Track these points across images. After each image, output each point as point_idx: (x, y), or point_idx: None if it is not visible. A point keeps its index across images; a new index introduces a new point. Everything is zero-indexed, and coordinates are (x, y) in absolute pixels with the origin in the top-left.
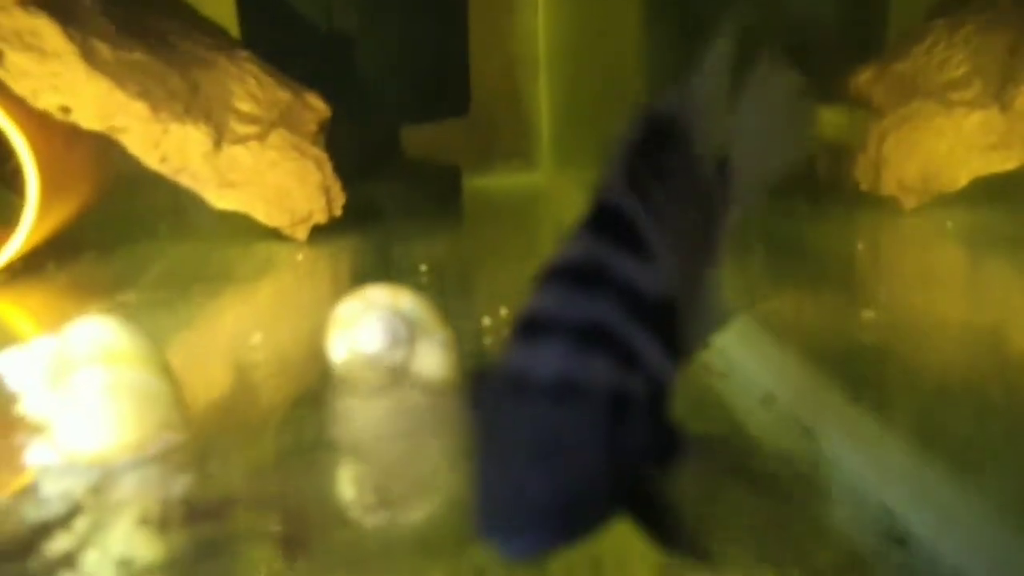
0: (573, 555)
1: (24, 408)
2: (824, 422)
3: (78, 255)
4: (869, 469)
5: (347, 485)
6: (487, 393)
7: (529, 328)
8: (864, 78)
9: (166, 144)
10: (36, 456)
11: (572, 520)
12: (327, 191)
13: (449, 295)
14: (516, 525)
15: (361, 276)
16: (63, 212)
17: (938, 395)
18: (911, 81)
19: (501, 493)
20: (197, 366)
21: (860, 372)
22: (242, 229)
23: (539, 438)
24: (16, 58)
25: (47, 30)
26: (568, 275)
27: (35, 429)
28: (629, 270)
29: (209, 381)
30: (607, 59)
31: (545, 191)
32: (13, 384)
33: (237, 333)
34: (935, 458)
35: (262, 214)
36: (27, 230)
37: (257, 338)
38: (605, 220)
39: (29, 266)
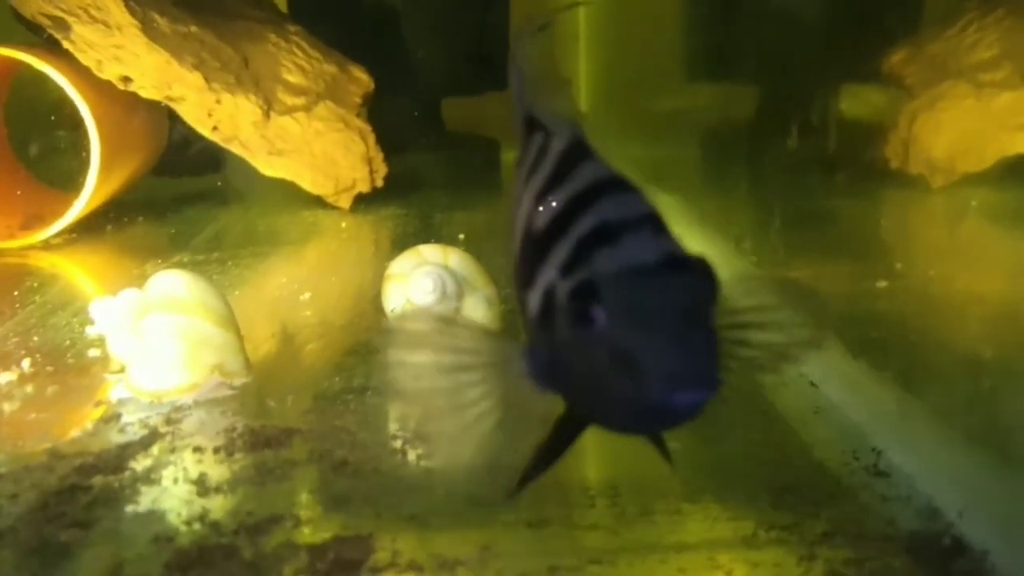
0: (593, 482)
1: (109, 348)
2: (828, 377)
3: (133, 219)
4: (862, 414)
5: (394, 422)
6: (613, 292)
7: (608, 233)
8: (897, 58)
9: (219, 113)
10: (116, 391)
11: (719, 373)
12: (370, 162)
13: (486, 262)
14: (706, 377)
15: (402, 243)
16: (121, 177)
17: (934, 353)
18: (943, 62)
19: (685, 356)
20: (251, 319)
21: (866, 335)
22: (288, 197)
23: (683, 304)
24: (83, 31)
25: (111, 4)
26: (605, 188)
27: (117, 367)
28: (627, 179)
29: (263, 332)
30: (645, 37)
31: None
32: (101, 328)
33: (287, 291)
34: (919, 405)
35: (308, 182)
36: (89, 194)
37: (306, 296)
38: (582, 145)
39: (88, 228)
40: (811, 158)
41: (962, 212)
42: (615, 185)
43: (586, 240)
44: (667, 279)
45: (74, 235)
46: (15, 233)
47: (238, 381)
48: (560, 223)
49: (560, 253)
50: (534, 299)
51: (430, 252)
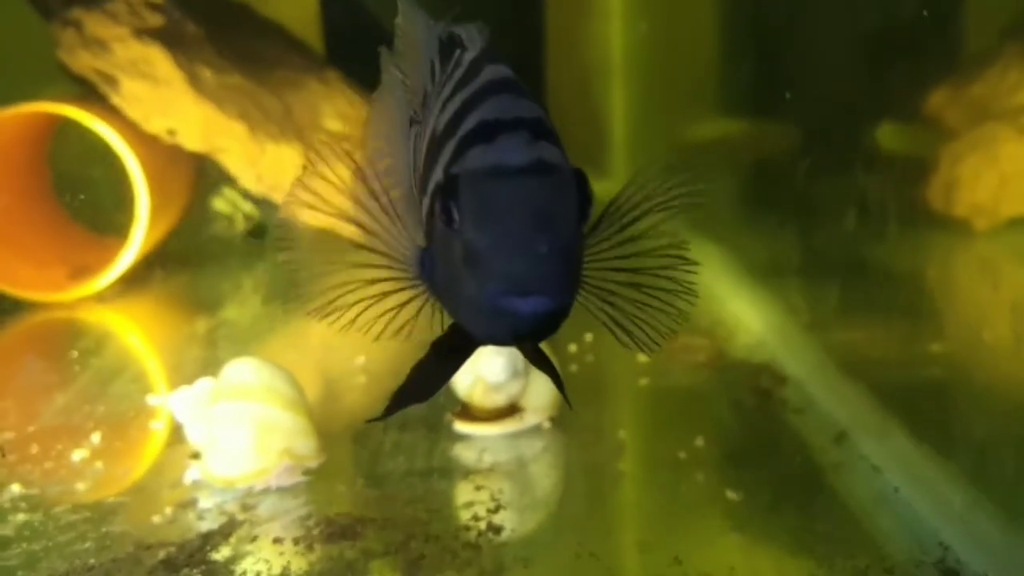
0: None
1: (187, 436)
2: (890, 461)
3: (178, 268)
4: (929, 507)
5: (464, 509)
6: (469, 188)
7: (484, 132)
8: (937, 99)
9: (262, 163)
10: (190, 476)
11: (575, 282)
12: None
13: None
14: (550, 284)
15: None
16: (166, 224)
17: (997, 434)
18: (984, 104)
19: (526, 258)
20: (308, 389)
21: (926, 410)
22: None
23: (539, 208)
24: (131, 85)
25: (159, 59)
26: (495, 89)
27: (194, 454)
28: (520, 82)
29: (321, 404)
30: (681, 68)
31: None
32: (179, 417)
33: (340, 354)
34: (988, 499)
35: (350, 229)
36: (138, 245)
37: (360, 360)
38: (488, 53)
39: (137, 277)
40: (850, 198)
41: (1008, 260)
42: (504, 87)
43: (466, 138)
44: (526, 180)
45: (123, 286)
46: (63, 283)
47: (311, 463)
48: (453, 124)
49: (447, 152)
50: (426, 202)
51: None
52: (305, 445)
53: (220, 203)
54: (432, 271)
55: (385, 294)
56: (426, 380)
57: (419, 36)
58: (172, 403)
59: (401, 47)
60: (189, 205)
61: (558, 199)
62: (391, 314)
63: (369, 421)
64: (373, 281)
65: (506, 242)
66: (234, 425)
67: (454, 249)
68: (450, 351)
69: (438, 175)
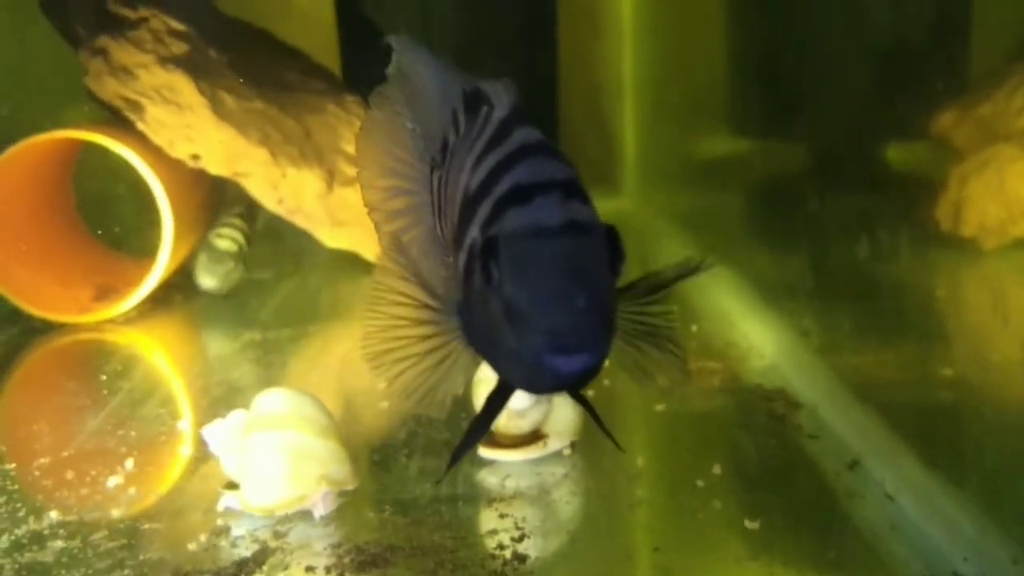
0: None
1: (222, 467)
2: (903, 488)
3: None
4: (942, 534)
5: (489, 536)
6: (509, 248)
7: (519, 193)
8: (946, 120)
9: (284, 187)
10: (224, 500)
11: (610, 335)
12: None
13: None
14: (588, 340)
15: None
16: (187, 247)
17: (1009, 460)
18: (991, 124)
19: (566, 316)
20: (335, 413)
21: (938, 435)
22: (348, 262)
23: (573, 267)
24: (156, 112)
25: (183, 85)
26: (528, 152)
27: (228, 484)
28: (552, 145)
29: (346, 429)
30: (692, 87)
31: (630, 216)
32: (214, 448)
33: (361, 377)
34: (1000, 527)
35: (370, 251)
36: (163, 267)
37: (382, 383)
38: (519, 114)
39: (160, 299)
40: (859, 218)
41: (1016, 280)
42: (538, 150)
43: (502, 200)
44: (562, 240)
45: (146, 308)
46: (88, 306)
47: (347, 487)
48: (487, 184)
49: (483, 212)
50: (462, 257)
51: None
52: (340, 470)
53: (222, 242)
54: (468, 323)
55: (426, 338)
56: (474, 428)
57: (436, 84)
58: (205, 435)
59: (406, 91)
60: (208, 227)
61: (593, 256)
62: (430, 371)
63: (438, 481)
64: (416, 324)
65: (546, 299)
66: (269, 454)
67: (494, 305)
68: (491, 398)
69: (474, 234)
